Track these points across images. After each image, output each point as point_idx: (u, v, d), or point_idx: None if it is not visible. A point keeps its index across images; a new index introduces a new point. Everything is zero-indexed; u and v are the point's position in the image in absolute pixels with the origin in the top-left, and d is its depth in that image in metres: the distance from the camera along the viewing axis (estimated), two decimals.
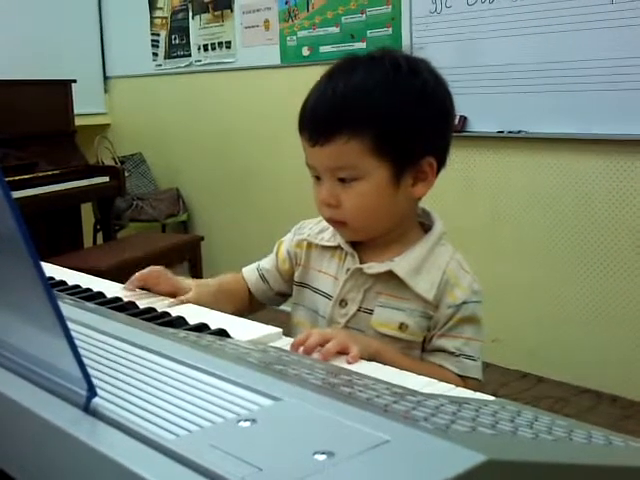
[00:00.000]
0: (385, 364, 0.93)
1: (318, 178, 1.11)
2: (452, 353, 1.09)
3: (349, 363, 0.90)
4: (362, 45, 3.33)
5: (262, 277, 1.29)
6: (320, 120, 1.07)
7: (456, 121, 2.92)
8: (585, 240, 2.77)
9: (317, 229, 1.23)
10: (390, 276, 1.10)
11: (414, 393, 0.65)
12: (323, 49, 3.52)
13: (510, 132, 2.87)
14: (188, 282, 1.21)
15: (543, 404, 2.68)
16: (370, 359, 0.94)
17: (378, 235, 1.14)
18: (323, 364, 0.84)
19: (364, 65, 1.09)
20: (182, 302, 1.15)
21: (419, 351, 1.12)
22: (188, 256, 3.56)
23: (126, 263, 3.09)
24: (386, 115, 1.05)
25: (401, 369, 0.91)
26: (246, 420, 0.48)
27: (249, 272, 1.31)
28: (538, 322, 2.96)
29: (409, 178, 1.09)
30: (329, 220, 1.14)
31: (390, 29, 3.22)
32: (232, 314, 1.22)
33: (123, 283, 1.22)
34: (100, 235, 4.05)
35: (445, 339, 1.09)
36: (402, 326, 1.09)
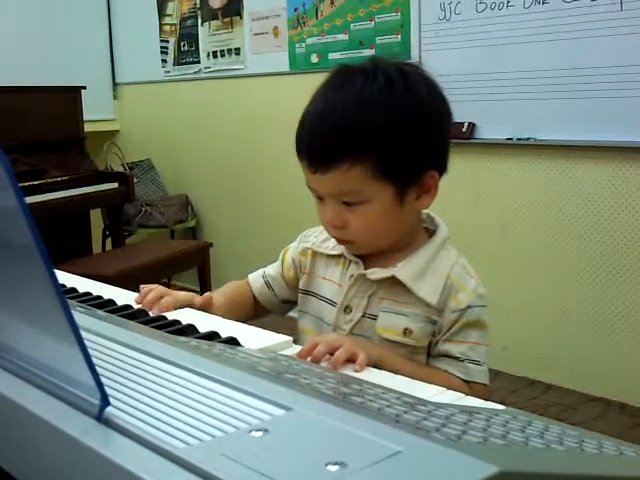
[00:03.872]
0: (387, 370, 0.93)
1: (321, 198, 1.10)
2: (457, 358, 1.08)
3: (356, 371, 0.90)
4: (371, 52, 3.33)
5: (267, 284, 1.29)
6: (319, 149, 1.05)
7: (464, 128, 2.92)
8: (594, 248, 2.76)
9: (322, 237, 1.23)
10: (393, 281, 1.10)
11: (425, 403, 0.65)
12: (332, 56, 3.52)
13: (519, 139, 2.86)
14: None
15: (551, 412, 2.67)
16: (374, 366, 0.94)
17: (385, 248, 1.14)
18: (333, 373, 0.84)
19: (358, 84, 1.05)
20: (201, 301, 1.17)
21: (424, 356, 1.11)
22: (197, 262, 3.57)
23: (135, 269, 3.11)
24: (385, 139, 1.03)
25: (404, 375, 0.91)
26: (258, 430, 0.48)
27: (254, 278, 1.32)
28: (546, 330, 2.95)
29: (413, 193, 1.08)
30: (336, 239, 1.14)
31: (399, 36, 3.22)
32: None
33: (131, 289, 1.21)
34: (109, 241, 4.07)
35: (450, 344, 1.09)
36: (406, 331, 1.09)
